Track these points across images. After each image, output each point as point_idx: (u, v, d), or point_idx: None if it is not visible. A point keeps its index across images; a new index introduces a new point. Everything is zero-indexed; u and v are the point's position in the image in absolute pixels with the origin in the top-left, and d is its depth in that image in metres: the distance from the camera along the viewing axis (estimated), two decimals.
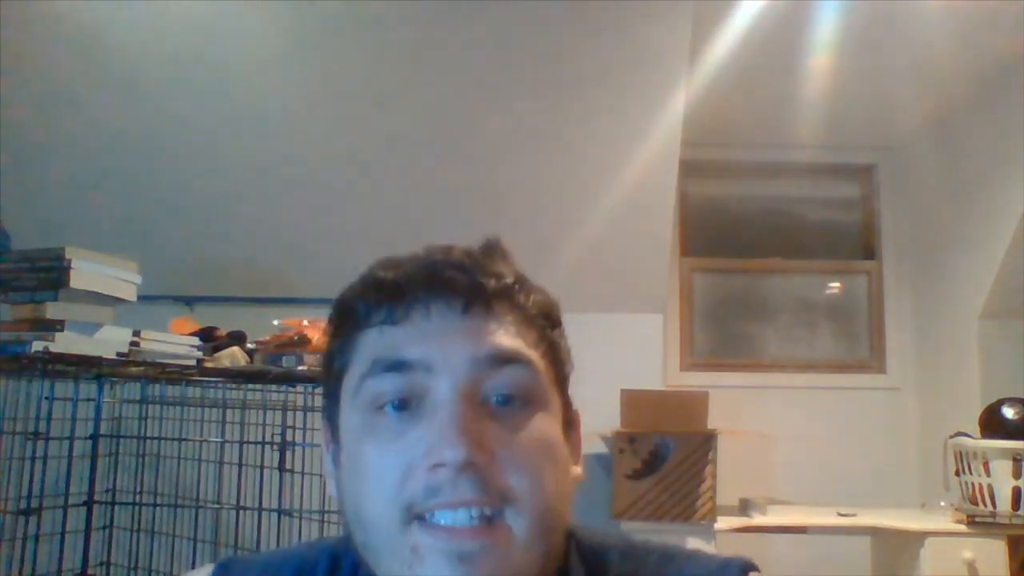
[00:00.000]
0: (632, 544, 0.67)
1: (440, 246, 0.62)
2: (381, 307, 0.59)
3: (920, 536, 2.57)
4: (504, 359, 0.58)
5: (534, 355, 0.60)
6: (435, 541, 0.53)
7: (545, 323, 0.62)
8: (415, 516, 0.54)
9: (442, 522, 0.53)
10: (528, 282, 0.63)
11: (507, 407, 0.57)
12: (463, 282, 0.58)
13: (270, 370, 2.19)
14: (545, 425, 0.58)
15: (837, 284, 3.87)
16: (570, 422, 0.64)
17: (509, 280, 0.61)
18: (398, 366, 0.57)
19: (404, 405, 0.57)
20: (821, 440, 3.47)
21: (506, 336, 0.58)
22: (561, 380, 0.63)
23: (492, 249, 0.63)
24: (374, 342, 0.59)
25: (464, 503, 0.53)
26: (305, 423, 2.25)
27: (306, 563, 0.67)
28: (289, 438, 2.21)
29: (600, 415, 2.64)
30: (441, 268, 0.59)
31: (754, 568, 0.67)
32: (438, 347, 0.57)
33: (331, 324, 0.63)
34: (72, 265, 1.84)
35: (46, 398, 1.83)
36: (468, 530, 0.53)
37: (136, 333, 1.98)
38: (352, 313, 0.61)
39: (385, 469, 0.55)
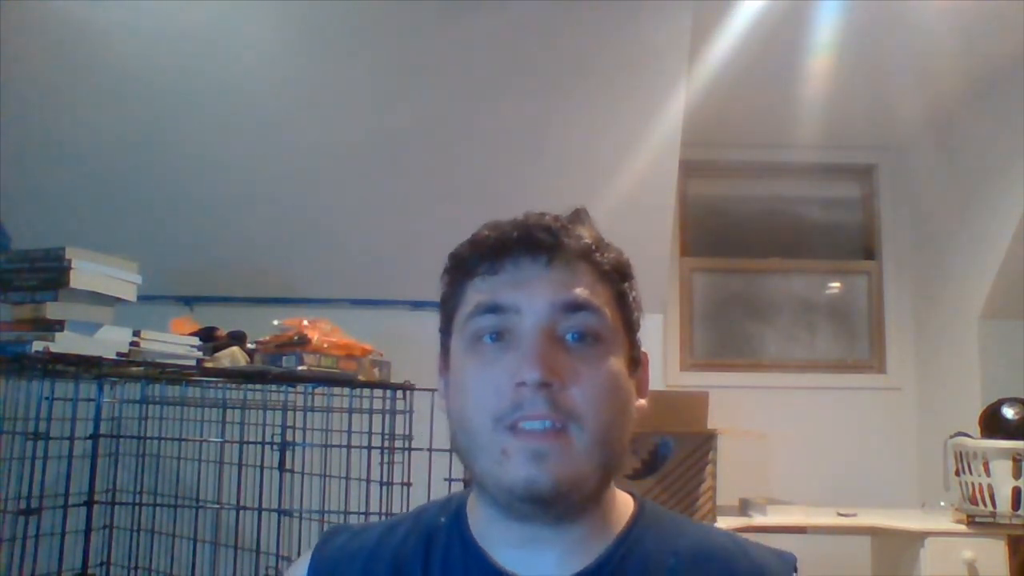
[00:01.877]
0: (693, 520, 0.82)
1: (534, 213, 0.76)
2: (483, 260, 0.73)
3: (920, 536, 2.57)
4: (577, 306, 0.71)
5: (604, 304, 0.72)
6: (518, 443, 0.67)
7: (617, 278, 0.76)
8: (504, 425, 0.68)
9: (524, 427, 0.67)
10: (605, 243, 0.77)
11: (579, 344, 0.70)
12: (547, 241, 0.72)
13: (270, 370, 2.19)
14: (610, 362, 0.71)
15: (837, 284, 3.87)
16: (637, 362, 0.77)
17: (587, 241, 0.74)
18: (494, 308, 0.71)
19: (498, 338, 0.71)
20: (821, 440, 3.47)
21: (581, 287, 0.71)
22: (629, 327, 0.76)
23: (577, 216, 0.77)
24: (477, 288, 0.73)
25: (539, 416, 0.67)
26: (305, 423, 2.25)
27: (391, 526, 0.80)
28: (289, 438, 2.21)
29: None
30: (530, 229, 0.73)
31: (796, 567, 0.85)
32: (525, 294, 0.70)
33: (446, 273, 0.77)
34: (72, 265, 1.84)
35: (46, 398, 1.83)
36: (541, 435, 0.67)
37: (136, 333, 1.98)
38: (461, 265, 0.75)
39: (482, 386, 0.70)
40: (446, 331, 0.77)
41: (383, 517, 2.23)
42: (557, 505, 0.67)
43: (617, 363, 0.72)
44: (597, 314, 0.71)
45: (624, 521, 0.76)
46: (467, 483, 0.83)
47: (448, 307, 0.76)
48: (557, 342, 0.69)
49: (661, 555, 0.74)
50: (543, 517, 0.69)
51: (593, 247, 0.74)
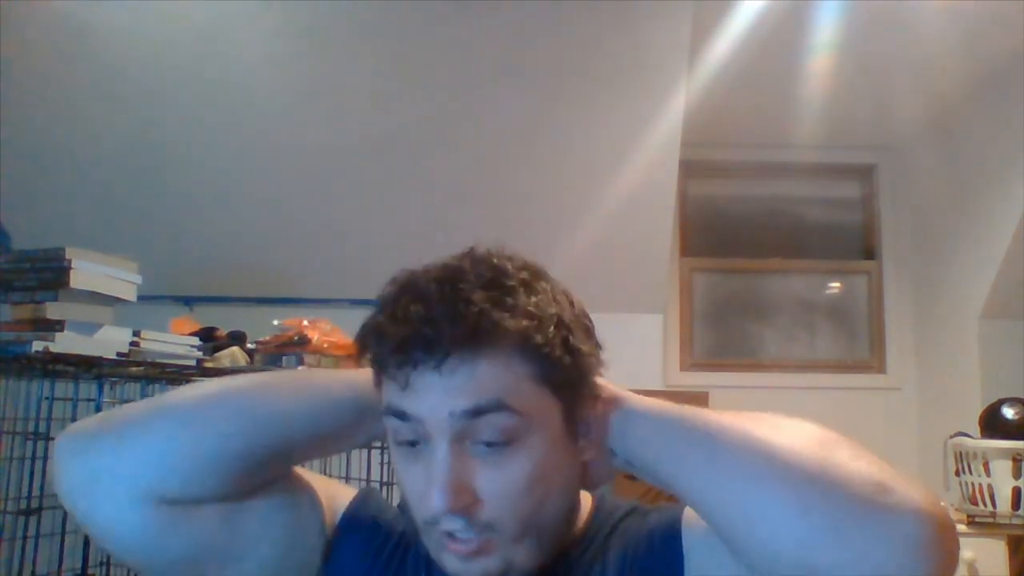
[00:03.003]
0: (635, 503, 0.82)
1: (424, 281, 0.69)
2: (384, 358, 0.69)
3: None
4: (480, 411, 0.66)
5: (517, 393, 0.66)
6: (449, 544, 0.68)
7: (533, 343, 0.67)
8: (431, 527, 0.69)
9: (450, 535, 0.68)
10: (511, 304, 0.66)
11: (489, 449, 0.67)
12: (440, 342, 0.65)
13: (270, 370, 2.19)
14: (526, 458, 0.67)
15: (837, 284, 3.87)
16: (575, 417, 0.71)
17: (492, 322, 0.65)
18: (400, 415, 0.68)
19: (414, 443, 0.69)
20: None
21: (482, 388, 0.66)
22: (562, 392, 0.70)
23: (465, 277, 0.67)
24: (386, 387, 0.70)
25: (457, 530, 0.67)
26: None
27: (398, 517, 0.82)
28: None
29: None
30: (423, 325, 0.65)
31: None
32: (426, 405, 0.66)
33: (361, 351, 0.73)
34: (72, 265, 1.84)
35: (46, 398, 1.83)
36: (465, 544, 0.68)
37: (136, 333, 1.98)
38: (371, 355, 0.71)
39: (408, 486, 0.70)
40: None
41: None
42: None
43: (538, 449, 0.68)
44: (504, 412, 0.66)
45: (580, 526, 0.78)
46: None
47: (375, 379, 0.73)
48: (466, 452, 0.67)
49: (613, 548, 0.76)
50: None
51: (502, 328, 0.65)
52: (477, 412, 0.65)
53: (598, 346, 0.74)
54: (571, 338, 0.69)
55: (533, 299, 0.68)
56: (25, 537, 1.78)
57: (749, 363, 3.72)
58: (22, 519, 1.76)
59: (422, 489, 0.67)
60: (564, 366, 0.69)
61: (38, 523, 1.79)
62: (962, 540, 2.52)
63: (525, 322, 0.66)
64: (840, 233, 3.87)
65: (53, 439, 1.76)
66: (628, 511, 0.80)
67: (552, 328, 0.68)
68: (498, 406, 0.66)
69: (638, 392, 0.78)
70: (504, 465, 0.67)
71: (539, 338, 0.67)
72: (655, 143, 2.90)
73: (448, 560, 0.69)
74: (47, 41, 2.67)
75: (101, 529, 0.71)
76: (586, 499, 0.81)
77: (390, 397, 0.69)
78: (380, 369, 0.70)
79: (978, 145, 3.17)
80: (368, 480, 2.24)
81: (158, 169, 2.99)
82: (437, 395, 0.66)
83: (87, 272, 1.87)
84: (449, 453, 0.66)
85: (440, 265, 0.71)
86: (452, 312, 0.65)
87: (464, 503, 0.66)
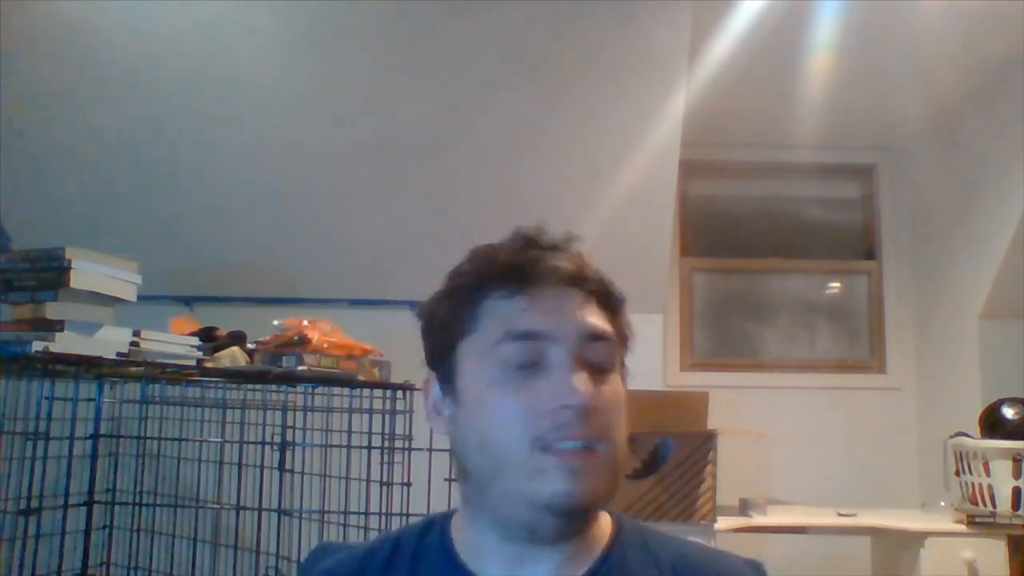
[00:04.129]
0: (670, 534, 0.85)
1: (535, 232, 0.79)
2: (506, 284, 0.74)
3: (920, 536, 2.57)
4: (598, 335, 0.75)
5: (612, 334, 0.77)
6: (556, 461, 0.70)
7: (617, 308, 0.80)
8: (540, 445, 0.70)
9: (563, 447, 0.70)
10: (606, 275, 0.80)
11: (599, 371, 0.74)
12: (569, 269, 0.76)
13: (270, 370, 2.19)
14: (620, 386, 0.77)
15: (837, 284, 3.87)
16: (625, 382, 0.81)
17: (594, 272, 0.78)
18: (526, 336, 0.73)
19: (529, 364, 0.73)
20: (821, 440, 3.47)
21: (599, 317, 0.76)
22: (621, 343, 0.80)
23: (572, 243, 0.81)
24: (502, 313, 0.74)
25: (581, 436, 0.71)
26: (305, 423, 2.25)
27: (371, 550, 0.82)
28: (289, 438, 2.21)
29: None
30: (549, 257, 0.76)
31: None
32: (556, 321, 0.74)
33: (451, 291, 0.77)
34: (72, 265, 1.84)
35: (46, 398, 1.83)
36: (580, 454, 0.71)
37: (136, 333, 1.98)
38: (474, 289, 0.76)
39: (518, 409, 0.72)
40: (447, 356, 0.77)
41: (383, 518, 2.23)
42: (582, 518, 0.73)
43: (623, 387, 0.77)
44: (611, 343, 0.76)
45: (606, 537, 0.79)
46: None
47: (454, 330, 0.76)
48: (585, 367, 0.73)
49: (644, 567, 0.78)
50: (557, 533, 0.73)
51: (599, 276, 0.79)
52: (595, 336, 0.75)
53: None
54: (628, 319, 0.81)
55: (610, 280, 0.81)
56: (25, 537, 1.78)
57: (749, 363, 3.72)
58: (22, 519, 1.76)
59: (543, 403, 0.71)
60: (626, 327, 0.80)
61: (38, 523, 1.80)
62: (962, 540, 2.53)
63: (608, 280, 0.80)
64: (840, 233, 3.87)
65: (53, 439, 1.77)
66: (676, 555, 0.81)
67: (622, 295, 0.81)
68: (607, 335, 0.76)
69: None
70: (609, 386, 0.75)
71: (620, 298, 0.80)
72: (655, 143, 2.90)
73: (552, 481, 0.70)
74: (47, 41, 2.67)
75: None
76: (602, 516, 0.81)
77: (512, 321, 0.73)
78: (493, 293, 0.75)
79: (978, 145, 3.17)
80: (368, 480, 2.24)
81: (158, 169, 2.99)
82: (567, 313, 0.74)
83: (87, 272, 1.87)
84: (577, 362, 0.73)
85: (529, 229, 0.80)
86: (567, 249, 0.79)
87: (594, 402, 0.72)
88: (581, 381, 0.71)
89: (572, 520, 0.72)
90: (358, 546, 0.85)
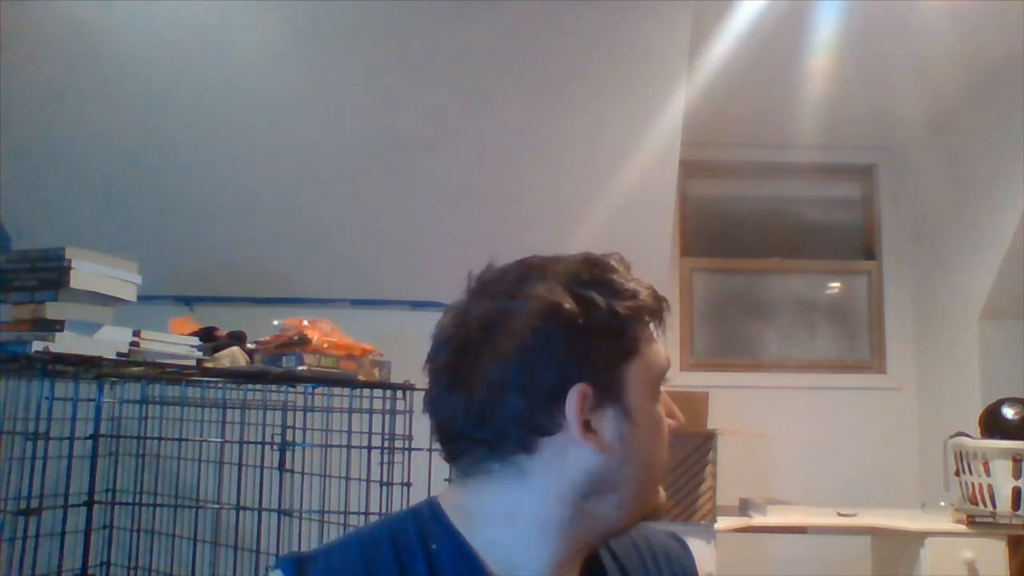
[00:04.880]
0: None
1: (620, 263, 0.80)
2: (656, 317, 0.78)
3: (920, 536, 2.57)
4: None
5: None
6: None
7: None
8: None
9: None
10: None
11: None
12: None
13: (270, 370, 2.19)
14: None
15: (837, 284, 3.87)
16: None
17: None
18: (667, 361, 0.80)
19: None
20: (821, 440, 3.47)
21: None
22: None
23: None
24: (654, 345, 0.78)
25: None
26: (305, 423, 2.25)
27: (368, 547, 0.75)
28: (289, 438, 2.21)
29: None
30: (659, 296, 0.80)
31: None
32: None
33: (624, 307, 0.75)
34: (72, 265, 1.84)
35: (46, 398, 1.83)
36: None
37: (136, 333, 1.98)
38: (644, 309, 0.77)
39: (666, 427, 0.80)
40: (612, 371, 0.75)
41: (383, 517, 2.23)
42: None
43: None
44: None
45: None
46: None
47: (621, 348, 0.75)
48: None
49: (625, 550, 0.84)
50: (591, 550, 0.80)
51: None
52: None
53: None
54: None
55: None
56: (25, 537, 1.78)
57: (749, 363, 3.72)
58: (22, 519, 1.76)
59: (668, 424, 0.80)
60: None
61: (38, 523, 1.79)
62: (962, 540, 2.53)
63: None
64: (840, 233, 3.87)
65: (53, 439, 1.77)
66: (638, 539, 0.88)
67: None
68: None
69: None
70: None
71: None
72: (655, 143, 2.90)
73: (660, 495, 0.80)
74: (47, 41, 2.66)
75: None
76: None
77: (663, 354, 0.79)
78: (647, 322, 0.78)
79: (978, 145, 3.17)
80: (368, 480, 2.24)
81: (158, 169, 2.99)
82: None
83: (87, 272, 1.87)
84: None
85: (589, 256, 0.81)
86: None
87: None
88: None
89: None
90: (341, 548, 0.76)
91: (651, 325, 0.78)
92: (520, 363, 0.72)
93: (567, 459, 0.72)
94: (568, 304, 0.72)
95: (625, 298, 0.75)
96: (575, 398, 0.71)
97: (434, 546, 0.73)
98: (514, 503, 0.73)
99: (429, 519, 0.76)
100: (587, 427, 0.72)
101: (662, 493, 0.81)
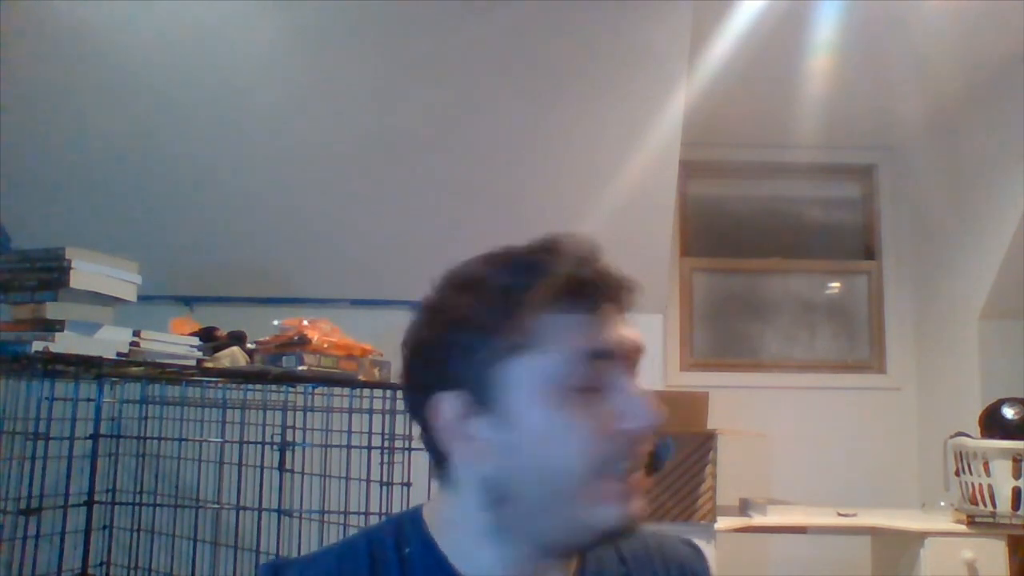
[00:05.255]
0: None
1: (569, 241, 0.73)
2: (575, 300, 0.69)
3: (920, 536, 2.57)
4: (643, 352, 0.73)
5: None
6: (620, 487, 0.69)
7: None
8: (605, 470, 0.68)
9: (627, 475, 0.69)
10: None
11: None
12: (620, 285, 0.72)
13: (270, 370, 2.19)
14: None
15: (837, 284, 3.87)
16: None
17: (630, 283, 0.74)
18: (602, 355, 0.69)
19: (596, 385, 0.69)
20: (821, 440, 3.48)
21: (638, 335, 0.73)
22: None
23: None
24: (571, 332, 0.68)
25: (639, 458, 0.69)
26: (305, 423, 2.25)
27: (345, 553, 0.76)
28: (289, 438, 2.21)
29: None
30: (607, 270, 0.72)
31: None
32: (624, 342, 0.71)
33: (497, 301, 0.69)
34: (72, 265, 1.84)
35: (46, 398, 1.83)
36: (637, 478, 0.70)
37: (136, 333, 1.98)
38: (538, 298, 0.68)
39: (583, 433, 0.67)
40: (485, 373, 0.69)
41: (383, 517, 2.23)
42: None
43: None
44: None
45: None
46: None
47: (499, 345, 0.68)
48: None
49: (636, 554, 0.81)
50: (555, 559, 0.73)
51: (634, 290, 0.75)
52: (643, 353, 0.73)
53: None
54: None
55: None
56: (25, 537, 1.78)
57: (749, 363, 3.72)
58: (22, 519, 1.76)
59: (610, 423, 0.68)
60: None
61: (38, 523, 1.80)
62: (962, 540, 2.53)
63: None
64: (840, 233, 3.87)
65: (53, 439, 1.77)
66: (637, 547, 0.83)
67: None
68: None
69: None
70: None
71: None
72: (655, 143, 2.90)
73: (616, 509, 0.68)
74: (47, 41, 2.66)
75: None
76: None
77: (582, 340, 0.68)
78: (563, 310, 0.69)
79: (978, 145, 3.17)
80: (368, 480, 2.24)
81: (158, 169, 2.99)
82: (628, 333, 0.72)
83: (87, 272, 1.87)
84: (634, 379, 0.71)
85: (554, 238, 0.75)
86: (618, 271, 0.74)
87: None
88: (651, 401, 0.69)
89: (614, 541, 0.74)
90: (319, 558, 0.77)
91: (601, 311, 0.70)
92: (404, 378, 0.75)
93: (469, 468, 0.71)
94: (430, 312, 0.73)
95: (492, 287, 0.70)
96: (436, 407, 0.70)
97: (407, 550, 0.74)
98: (456, 510, 0.74)
99: (407, 525, 0.77)
100: (464, 436, 0.70)
101: (633, 505, 0.69)
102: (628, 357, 0.71)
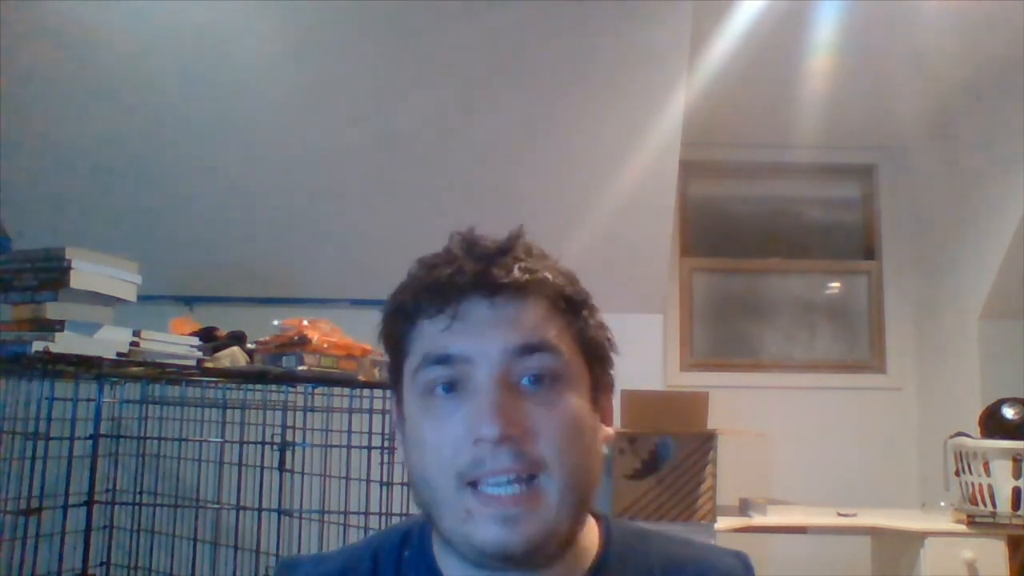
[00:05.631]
0: (657, 530, 0.80)
1: (469, 240, 0.70)
2: (426, 305, 0.68)
3: (920, 536, 2.57)
4: (531, 348, 0.66)
5: (560, 340, 0.68)
6: (484, 506, 0.63)
7: (572, 308, 0.70)
8: (467, 483, 0.64)
9: (489, 491, 0.64)
10: (554, 270, 0.71)
11: (537, 387, 0.66)
12: (492, 278, 0.67)
13: (270, 370, 2.19)
14: (572, 402, 0.67)
15: (837, 284, 3.87)
16: (600, 393, 0.72)
17: (535, 271, 0.68)
18: (444, 359, 0.66)
19: (451, 389, 0.66)
20: (821, 440, 3.47)
21: (533, 326, 0.67)
22: (590, 357, 0.71)
23: (516, 241, 0.71)
24: (423, 336, 0.68)
25: (504, 471, 0.63)
26: (305, 423, 2.25)
27: (352, 553, 0.78)
28: (289, 438, 2.21)
29: None
30: (471, 265, 0.67)
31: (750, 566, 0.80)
32: (475, 340, 0.66)
33: (386, 320, 0.72)
34: (72, 265, 1.84)
35: (46, 398, 1.83)
36: (511, 498, 0.63)
37: (136, 333, 1.98)
38: (403, 311, 0.70)
39: (439, 442, 0.65)
40: (395, 380, 0.72)
41: (383, 518, 2.23)
42: (530, 560, 0.65)
43: (578, 401, 0.68)
44: (552, 353, 0.67)
45: (594, 551, 0.74)
46: None
47: (395, 354, 0.71)
48: (514, 389, 0.66)
49: (672, 569, 0.75)
50: (515, 571, 0.67)
51: (541, 277, 0.69)
52: (527, 349, 0.66)
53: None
54: (597, 312, 0.73)
55: (560, 266, 0.72)
56: (25, 537, 1.78)
57: (749, 363, 3.72)
58: (22, 519, 1.76)
59: (462, 434, 0.64)
60: (595, 332, 0.72)
61: (38, 523, 1.80)
62: (962, 540, 2.53)
63: (562, 279, 0.71)
64: (840, 233, 3.87)
65: (53, 439, 1.77)
66: (666, 557, 0.76)
67: (583, 292, 0.72)
68: (546, 346, 0.67)
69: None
70: (552, 404, 0.66)
71: (577, 297, 0.71)
72: (655, 143, 2.90)
73: (483, 526, 0.64)
74: (47, 41, 2.67)
75: None
76: (590, 524, 0.76)
77: (431, 343, 0.67)
78: (421, 314, 0.68)
79: (978, 145, 3.17)
80: (368, 480, 2.24)
81: (158, 169, 2.99)
82: (489, 329, 0.66)
83: (87, 272, 1.87)
84: (499, 385, 0.65)
85: (465, 235, 0.72)
86: (501, 254, 0.69)
87: (517, 429, 0.63)
88: (495, 407, 0.63)
89: (519, 564, 0.65)
90: (330, 556, 0.79)
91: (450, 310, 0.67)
92: None
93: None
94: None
95: (392, 295, 0.71)
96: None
97: (406, 553, 0.75)
98: None
99: (416, 529, 0.77)
100: (398, 440, 0.74)
101: (476, 526, 0.63)
102: (485, 358, 0.65)
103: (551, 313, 0.69)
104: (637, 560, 0.75)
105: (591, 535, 0.74)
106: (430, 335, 0.67)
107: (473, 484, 0.64)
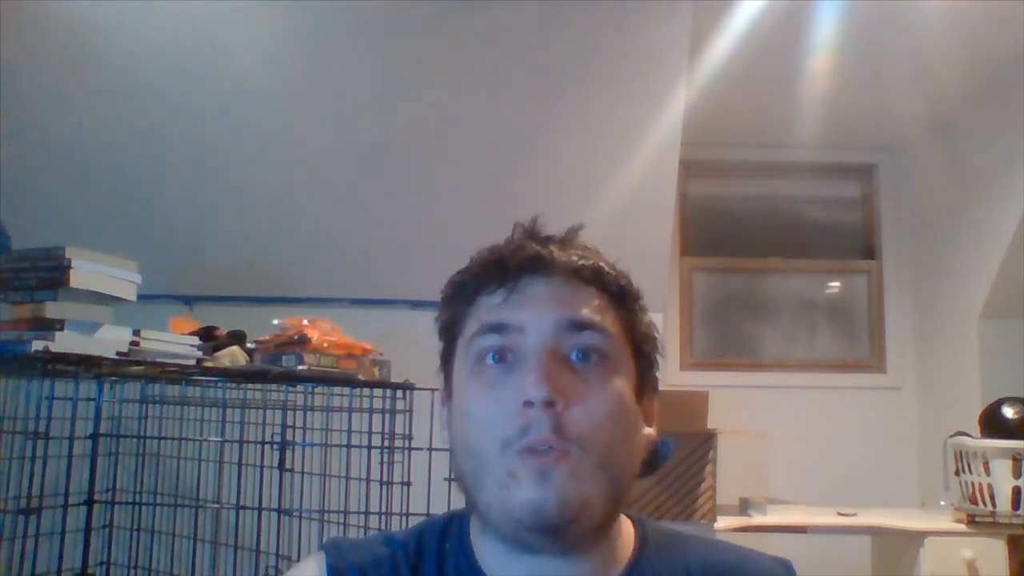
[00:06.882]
0: (693, 534, 0.80)
1: (530, 227, 0.76)
2: (486, 282, 0.72)
3: (920, 536, 2.57)
4: (582, 324, 0.70)
5: (611, 326, 0.71)
6: (524, 464, 0.65)
7: (625, 302, 0.74)
8: (513, 449, 0.66)
9: (527, 447, 0.66)
10: (610, 264, 0.75)
11: (584, 363, 0.69)
12: (550, 258, 0.72)
13: (270, 370, 2.19)
14: (617, 384, 0.70)
15: (837, 284, 3.87)
16: (645, 390, 0.74)
17: (590, 261, 0.73)
18: (498, 328, 0.70)
19: (502, 358, 0.69)
20: (821, 440, 3.47)
21: (586, 307, 0.71)
22: (638, 352, 0.74)
23: (575, 233, 0.78)
24: (480, 310, 0.72)
25: (543, 441, 0.65)
26: (305, 423, 2.25)
27: (396, 539, 0.78)
28: (289, 438, 2.21)
29: None
30: (532, 246, 0.73)
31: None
32: (529, 312, 0.69)
33: (447, 300, 0.75)
34: (72, 265, 1.84)
35: (46, 398, 1.83)
36: (546, 454, 0.65)
37: (136, 333, 1.98)
38: (463, 289, 0.74)
39: (489, 409, 0.68)
40: (447, 359, 0.76)
41: (383, 517, 2.23)
42: (565, 533, 0.66)
43: (623, 384, 0.70)
44: (603, 334, 0.70)
45: (630, 549, 0.75)
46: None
47: (450, 333, 0.75)
48: (562, 361, 0.68)
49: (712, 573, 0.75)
50: (551, 548, 0.67)
51: (599, 266, 0.74)
52: (581, 325, 0.69)
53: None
54: (647, 312, 0.77)
55: (618, 271, 0.76)
56: (25, 537, 1.78)
57: (749, 363, 3.72)
58: (22, 518, 1.76)
59: (510, 402, 0.66)
60: (645, 327, 0.76)
61: (38, 523, 1.79)
62: (962, 540, 2.53)
63: (616, 273, 0.75)
64: (840, 233, 3.87)
65: (53, 439, 1.77)
66: (704, 559, 0.76)
67: (636, 290, 0.76)
68: (597, 325, 0.70)
69: None
70: (596, 379, 0.69)
71: (629, 291, 0.75)
72: (655, 143, 2.90)
73: (522, 488, 0.65)
74: (47, 41, 2.67)
75: None
76: (625, 524, 0.77)
77: (486, 314, 0.71)
78: (475, 292, 0.72)
79: (978, 145, 3.17)
80: (368, 480, 2.25)
81: (158, 169, 2.99)
82: (545, 304, 0.70)
83: (87, 272, 1.87)
84: (549, 355, 0.68)
85: (527, 224, 0.77)
86: (560, 241, 0.75)
87: (562, 397, 0.66)
88: (543, 371, 0.66)
89: (554, 536, 0.66)
90: (375, 541, 0.79)
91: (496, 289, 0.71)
92: None
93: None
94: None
95: (447, 287, 0.76)
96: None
97: (447, 544, 0.76)
98: None
99: (455, 519, 0.78)
100: (443, 422, 0.76)
101: (517, 488, 0.65)
102: (537, 328, 0.69)
103: (604, 301, 0.72)
104: (674, 560, 0.75)
105: (626, 533, 0.76)
106: (486, 307, 0.71)
107: (518, 451, 0.66)
